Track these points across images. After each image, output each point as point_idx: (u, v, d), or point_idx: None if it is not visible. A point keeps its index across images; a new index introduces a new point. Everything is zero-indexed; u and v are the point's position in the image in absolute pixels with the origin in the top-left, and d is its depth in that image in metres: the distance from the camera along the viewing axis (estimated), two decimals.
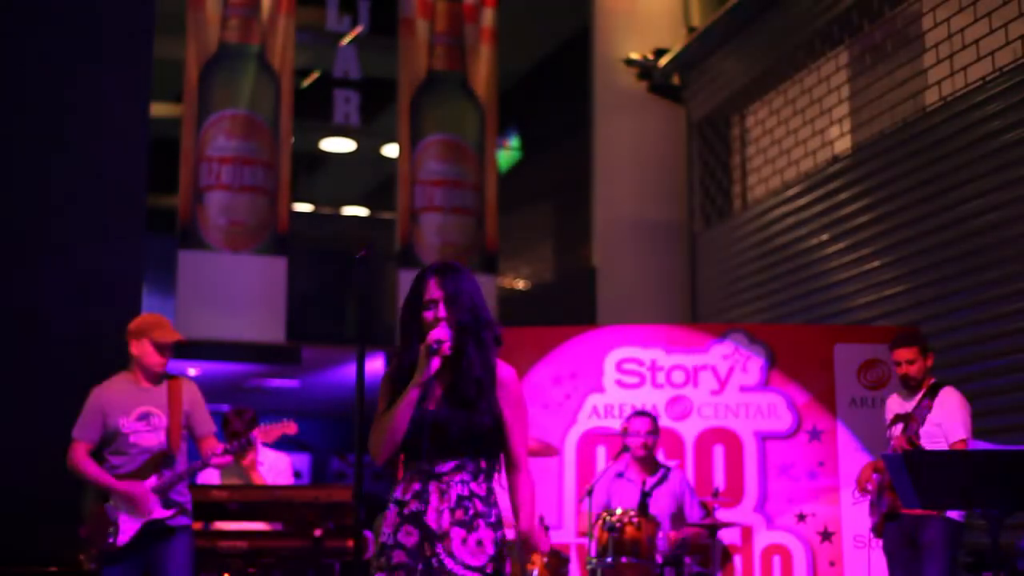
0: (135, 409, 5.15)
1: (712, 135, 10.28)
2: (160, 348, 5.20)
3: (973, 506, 4.41)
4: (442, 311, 3.20)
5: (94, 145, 7.19)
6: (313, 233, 11.20)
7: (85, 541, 5.20)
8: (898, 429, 5.44)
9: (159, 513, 5.08)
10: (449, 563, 3.11)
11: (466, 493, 3.16)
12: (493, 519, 3.20)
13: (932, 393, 5.46)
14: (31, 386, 6.55)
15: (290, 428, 5.41)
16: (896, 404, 5.64)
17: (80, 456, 5.12)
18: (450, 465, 3.17)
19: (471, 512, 3.15)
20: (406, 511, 3.15)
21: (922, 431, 5.32)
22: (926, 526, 5.27)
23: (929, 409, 5.27)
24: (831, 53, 8.66)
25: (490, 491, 3.21)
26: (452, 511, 3.13)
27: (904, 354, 5.53)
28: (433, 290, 3.22)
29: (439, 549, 3.11)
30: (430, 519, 3.13)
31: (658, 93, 10.48)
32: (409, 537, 3.12)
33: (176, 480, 5.10)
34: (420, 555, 3.11)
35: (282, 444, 6.54)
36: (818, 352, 7.02)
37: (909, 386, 5.54)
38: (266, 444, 5.45)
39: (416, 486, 3.17)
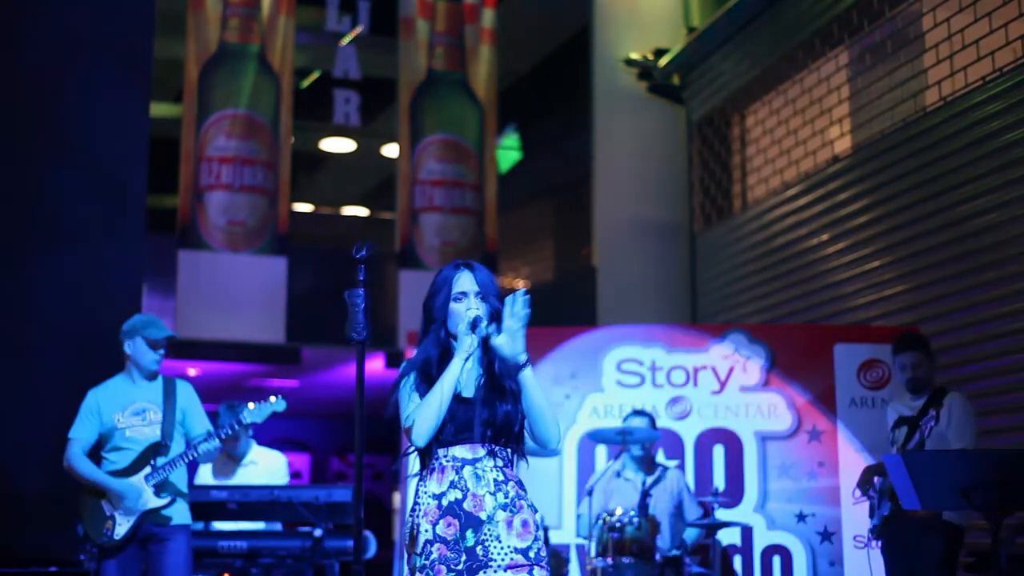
0: (130, 405, 5.20)
1: (712, 135, 10.28)
2: (153, 345, 5.24)
3: (973, 506, 4.39)
4: (475, 302, 3.26)
5: (94, 145, 7.19)
6: (313, 233, 11.21)
7: (83, 538, 5.21)
8: (902, 434, 5.38)
9: (154, 503, 5.09)
10: (494, 549, 3.11)
11: (502, 478, 3.18)
12: (530, 501, 3.23)
13: (937, 398, 5.36)
14: (31, 386, 6.54)
15: (279, 405, 5.40)
16: (900, 407, 5.56)
17: (75, 456, 5.16)
18: (484, 452, 3.19)
19: (510, 495, 3.17)
20: (445, 502, 3.15)
21: (928, 443, 5.24)
22: (927, 529, 5.24)
23: (935, 420, 5.17)
24: (831, 53, 8.66)
25: (519, 477, 3.24)
26: (493, 495, 3.15)
27: (912, 357, 5.43)
28: (466, 283, 3.27)
29: (484, 535, 3.11)
30: (471, 505, 3.13)
31: (658, 93, 10.48)
32: (449, 528, 3.12)
33: (170, 468, 5.11)
34: (461, 547, 3.11)
35: (282, 443, 6.54)
36: (818, 352, 7.02)
37: (916, 389, 5.44)
38: (256, 423, 5.41)
39: (451, 475, 3.17)
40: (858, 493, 5.63)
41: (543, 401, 3.22)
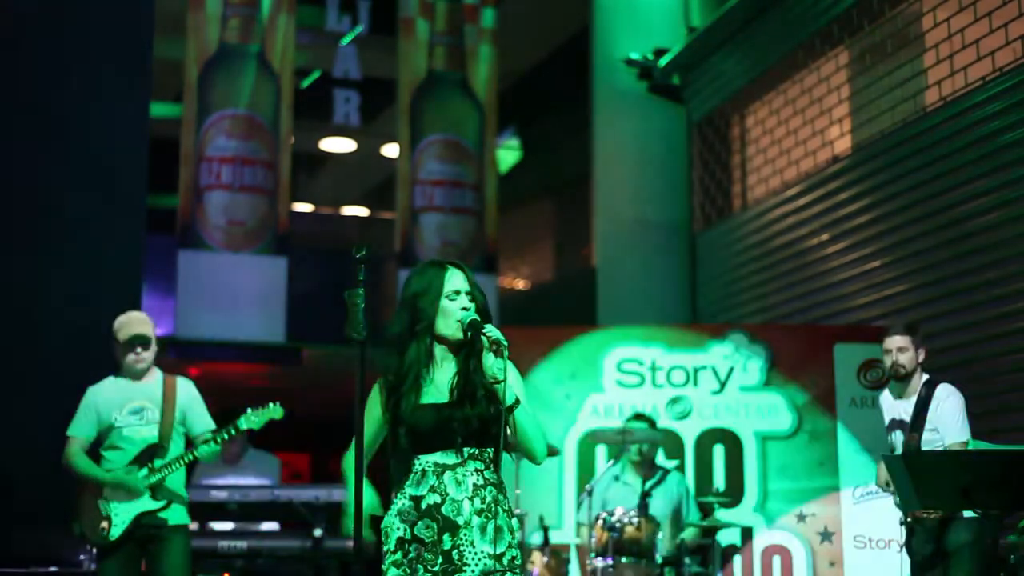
0: (128, 404, 5.18)
1: (712, 135, 10.28)
2: (124, 346, 5.18)
3: (973, 506, 4.39)
4: (466, 302, 3.23)
5: (94, 145, 7.19)
6: (313, 233, 11.21)
7: (79, 538, 5.19)
8: (898, 438, 5.35)
9: (148, 505, 5.08)
10: (468, 553, 3.11)
11: (481, 482, 3.17)
12: (507, 506, 3.22)
13: (927, 392, 5.32)
14: (31, 386, 6.55)
15: (276, 412, 5.39)
16: (890, 405, 5.47)
17: (73, 454, 5.15)
18: (464, 456, 3.17)
19: (488, 500, 3.16)
20: (423, 505, 3.15)
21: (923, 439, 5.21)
22: (950, 528, 5.10)
23: (925, 409, 5.12)
24: (831, 53, 8.66)
25: (500, 479, 3.22)
26: (470, 500, 3.14)
27: (896, 341, 5.34)
28: (458, 281, 3.24)
29: (460, 539, 3.11)
30: (449, 510, 3.13)
31: (658, 93, 10.47)
32: (427, 530, 3.12)
33: (167, 470, 5.09)
34: (438, 549, 3.11)
35: (282, 443, 6.54)
36: (818, 352, 7.02)
37: (899, 376, 5.33)
38: (255, 430, 5.41)
39: (431, 479, 3.16)
40: (881, 490, 5.53)
41: (531, 429, 3.18)
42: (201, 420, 5.29)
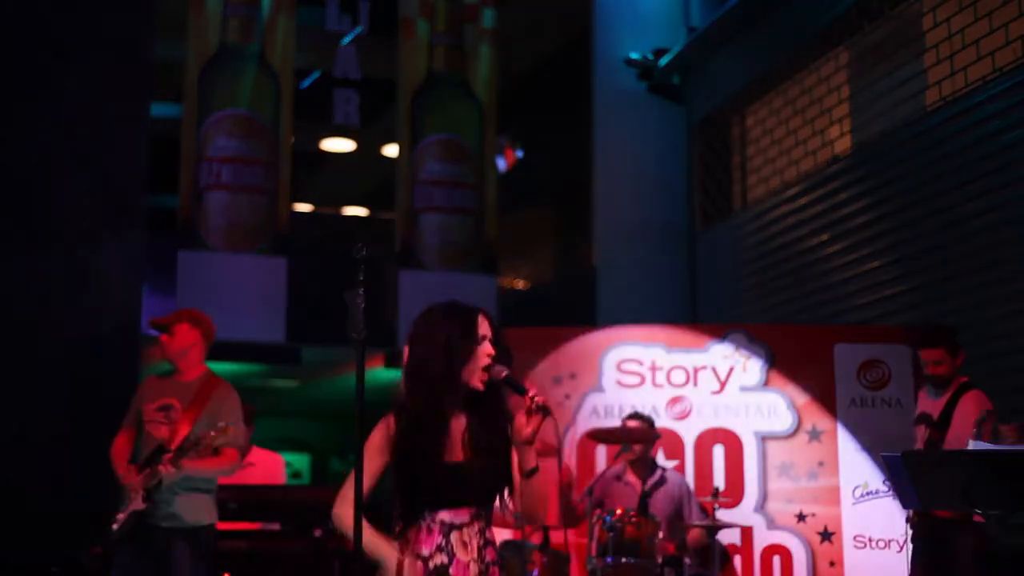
0: (159, 399, 5.17)
1: (712, 135, 10.28)
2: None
3: (973, 506, 4.39)
4: (490, 348, 3.17)
5: (94, 145, 7.20)
6: (313, 233, 11.21)
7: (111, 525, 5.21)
8: (922, 430, 5.35)
9: (137, 505, 5.06)
10: None
11: (482, 542, 3.15)
12: (499, 559, 3.21)
13: (958, 396, 5.30)
14: (31, 385, 6.55)
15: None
16: (924, 400, 5.51)
17: (116, 442, 5.18)
18: (469, 514, 3.15)
19: (488, 560, 3.15)
20: (431, 565, 3.11)
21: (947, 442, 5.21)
22: (956, 532, 5.12)
23: (952, 411, 5.11)
24: (831, 53, 8.67)
25: (494, 536, 3.22)
26: (476, 562, 3.12)
27: (932, 355, 5.38)
28: (486, 327, 3.19)
29: None
30: (456, 572, 3.11)
31: (658, 93, 10.48)
32: None
33: (163, 476, 5.02)
34: None
35: (282, 443, 6.54)
36: (818, 352, 7.01)
37: (938, 385, 5.39)
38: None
39: (438, 538, 3.13)
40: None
41: (541, 496, 3.17)
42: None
